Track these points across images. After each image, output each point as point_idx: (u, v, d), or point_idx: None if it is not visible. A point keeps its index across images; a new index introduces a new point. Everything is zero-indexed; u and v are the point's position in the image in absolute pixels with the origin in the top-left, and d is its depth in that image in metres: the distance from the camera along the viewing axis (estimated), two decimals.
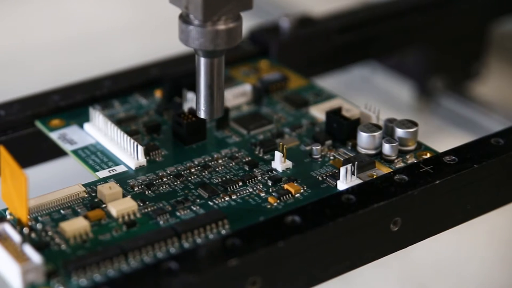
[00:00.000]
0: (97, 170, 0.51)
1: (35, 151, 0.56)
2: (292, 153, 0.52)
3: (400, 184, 0.47)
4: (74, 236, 0.45)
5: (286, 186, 0.49)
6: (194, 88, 0.55)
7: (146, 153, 0.52)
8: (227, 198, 0.48)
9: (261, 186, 0.49)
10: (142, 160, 0.51)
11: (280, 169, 0.51)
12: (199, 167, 0.51)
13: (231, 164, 0.51)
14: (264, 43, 0.64)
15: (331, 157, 0.52)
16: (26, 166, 0.54)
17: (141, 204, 0.48)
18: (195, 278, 0.41)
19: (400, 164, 0.51)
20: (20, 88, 0.63)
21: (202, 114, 0.51)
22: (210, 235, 0.45)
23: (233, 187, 0.49)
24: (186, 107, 0.56)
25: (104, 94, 0.58)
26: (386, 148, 0.51)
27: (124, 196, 0.48)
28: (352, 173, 0.49)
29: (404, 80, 0.80)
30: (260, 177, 0.50)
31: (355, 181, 0.49)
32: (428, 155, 0.51)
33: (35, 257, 0.43)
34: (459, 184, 0.49)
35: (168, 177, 0.50)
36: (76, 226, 0.45)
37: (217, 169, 0.51)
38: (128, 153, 0.51)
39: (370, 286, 0.63)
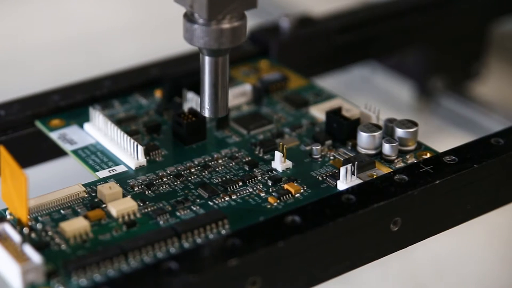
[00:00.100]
0: (97, 170, 0.51)
1: (35, 151, 0.56)
2: (292, 153, 0.52)
3: (400, 184, 0.47)
4: (74, 236, 0.45)
5: (286, 186, 0.49)
6: (194, 88, 0.55)
7: (146, 153, 0.52)
8: (227, 198, 0.48)
9: (261, 186, 0.49)
10: (142, 160, 0.51)
11: (280, 169, 0.51)
12: (199, 167, 0.51)
13: (231, 164, 0.51)
14: (264, 43, 0.64)
15: (331, 157, 0.52)
16: (26, 166, 0.54)
17: (141, 204, 0.48)
18: (195, 278, 0.41)
19: (400, 164, 0.51)
20: (20, 88, 0.63)
21: (206, 113, 0.50)
22: (210, 235, 0.45)
23: (233, 187, 0.49)
24: (186, 107, 0.55)
25: (104, 94, 0.58)
26: (386, 148, 0.51)
27: (124, 196, 0.48)
28: (352, 173, 0.49)
29: (404, 80, 0.80)
30: (260, 177, 0.50)
31: (355, 181, 0.49)
32: (428, 155, 0.51)
33: (35, 257, 0.43)
34: (459, 184, 0.48)
35: (168, 177, 0.50)
36: (76, 226, 0.45)
37: (217, 169, 0.51)
38: (128, 153, 0.51)
39: (370, 286, 0.63)
